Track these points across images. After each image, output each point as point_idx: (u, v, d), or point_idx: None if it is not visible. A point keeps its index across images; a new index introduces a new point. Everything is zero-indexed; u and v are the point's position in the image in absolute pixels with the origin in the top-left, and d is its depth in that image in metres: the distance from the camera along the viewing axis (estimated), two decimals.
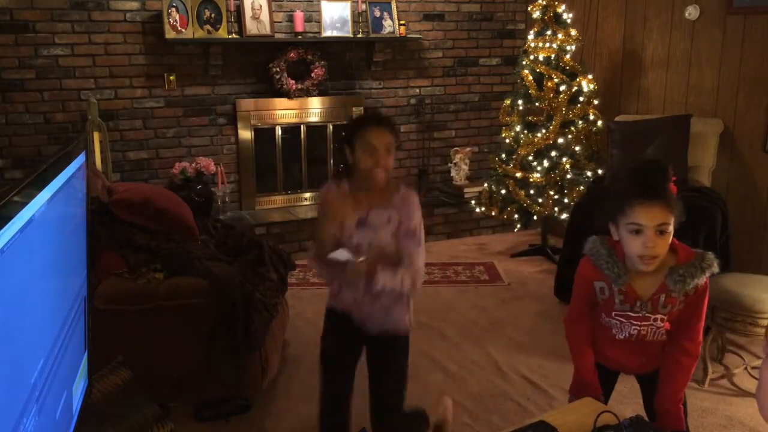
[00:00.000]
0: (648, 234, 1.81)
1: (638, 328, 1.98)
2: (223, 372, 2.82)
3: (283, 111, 5.09)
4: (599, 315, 2.06)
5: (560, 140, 4.60)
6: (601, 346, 2.10)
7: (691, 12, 4.38)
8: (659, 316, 1.95)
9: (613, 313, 2.00)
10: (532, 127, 4.70)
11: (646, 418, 1.89)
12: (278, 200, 5.24)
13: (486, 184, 4.90)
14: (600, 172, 4.53)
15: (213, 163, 4.82)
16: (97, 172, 3.30)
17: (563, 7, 4.64)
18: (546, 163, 4.59)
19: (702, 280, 1.88)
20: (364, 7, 5.12)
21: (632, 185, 1.86)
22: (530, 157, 4.66)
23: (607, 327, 2.05)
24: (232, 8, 4.74)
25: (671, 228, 1.83)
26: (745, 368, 3.26)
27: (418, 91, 5.54)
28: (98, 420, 2.15)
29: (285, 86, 4.93)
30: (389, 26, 5.18)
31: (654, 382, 2.12)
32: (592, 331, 2.11)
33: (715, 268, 1.89)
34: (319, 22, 5.02)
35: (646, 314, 1.96)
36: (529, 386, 3.15)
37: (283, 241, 4.77)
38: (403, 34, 5.20)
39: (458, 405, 2.91)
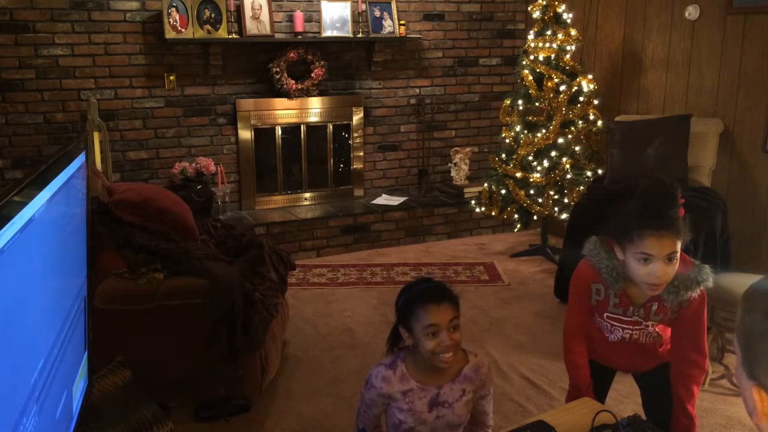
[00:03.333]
0: (657, 264, 1.79)
1: (630, 332, 1.99)
2: (223, 372, 2.82)
3: (283, 111, 5.09)
4: (593, 315, 2.06)
5: (560, 140, 4.60)
6: (597, 346, 2.11)
7: (691, 12, 4.38)
8: (651, 323, 1.97)
9: (606, 315, 2.00)
10: (532, 127, 4.70)
11: (645, 417, 1.89)
12: (278, 200, 5.24)
13: (486, 184, 4.89)
14: (600, 172, 4.53)
15: (213, 163, 4.82)
16: (97, 172, 3.30)
17: (563, 7, 4.64)
18: (546, 163, 4.59)
19: (696, 292, 1.87)
20: (364, 7, 5.12)
21: (642, 213, 1.81)
22: (530, 157, 4.66)
23: (602, 334, 2.06)
24: (232, 8, 4.75)
25: (679, 253, 1.81)
26: None
27: (418, 91, 5.54)
28: (98, 420, 2.16)
29: (285, 86, 4.93)
30: (389, 26, 5.19)
31: (651, 380, 2.11)
32: (589, 335, 2.11)
33: (710, 283, 1.88)
34: (319, 22, 5.03)
35: (638, 319, 1.97)
36: (529, 386, 3.16)
37: (283, 241, 4.77)
38: (403, 34, 5.21)
39: None
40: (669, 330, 2.03)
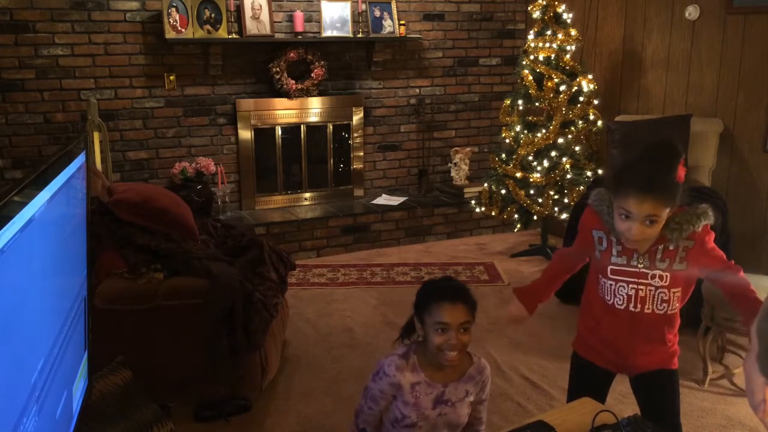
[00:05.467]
0: (635, 223, 1.81)
1: (636, 287, 1.95)
2: (223, 372, 2.82)
3: (283, 111, 5.09)
4: (597, 280, 2.04)
5: (560, 140, 4.60)
6: (600, 324, 2.07)
7: (691, 12, 4.38)
8: (657, 272, 1.92)
9: (610, 269, 1.97)
10: (532, 127, 4.70)
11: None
12: (278, 200, 5.24)
13: (486, 184, 4.90)
14: (600, 172, 4.53)
15: (213, 163, 4.82)
16: (97, 172, 3.30)
17: (563, 7, 4.64)
18: (546, 163, 4.59)
19: (698, 226, 1.87)
20: (364, 7, 5.12)
21: (633, 173, 1.85)
22: (530, 157, 4.66)
23: (606, 306, 2.01)
24: (232, 8, 4.75)
25: (662, 217, 1.82)
26: None
27: (418, 91, 5.54)
28: (98, 420, 2.16)
29: (285, 86, 4.93)
30: (389, 26, 5.19)
31: (649, 386, 2.08)
32: (592, 312, 2.10)
33: (711, 218, 1.89)
34: (319, 22, 5.03)
35: (643, 270, 1.93)
36: (529, 386, 3.16)
37: (283, 241, 4.77)
38: (403, 34, 5.21)
39: None
40: (677, 300, 1.98)
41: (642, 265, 1.93)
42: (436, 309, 1.87)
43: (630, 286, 1.96)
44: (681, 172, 1.84)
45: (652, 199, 1.79)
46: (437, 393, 1.94)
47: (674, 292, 1.96)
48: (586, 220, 2.05)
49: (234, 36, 4.75)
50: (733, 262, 1.98)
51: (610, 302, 2.01)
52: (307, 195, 5.34)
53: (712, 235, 1.95)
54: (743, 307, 1.98)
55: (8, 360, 1.19)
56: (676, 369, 2.08)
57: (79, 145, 1.90)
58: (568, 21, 4.67)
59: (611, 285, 1.99)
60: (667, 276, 1.93)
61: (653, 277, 1.94)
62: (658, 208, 1.80)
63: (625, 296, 1.98)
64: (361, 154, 5.45)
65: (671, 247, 1.91)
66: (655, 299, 1.96)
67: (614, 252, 1.97)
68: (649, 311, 1.97)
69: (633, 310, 1.97)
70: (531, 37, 4.72)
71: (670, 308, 1.97)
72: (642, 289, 1.96)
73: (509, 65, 5.68)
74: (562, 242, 4.21)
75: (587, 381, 2.15)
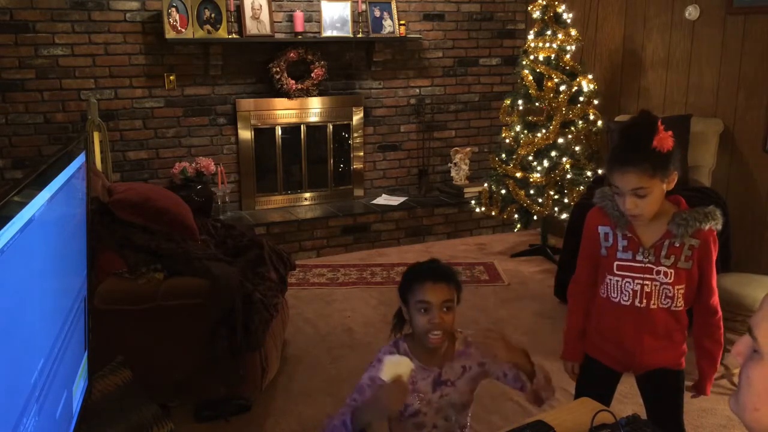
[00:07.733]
0: (626, 197, 1.85)
1: (641, 282, 1.95)
2: (223, 372, 2.83)
3: (283, 111, 5.09)
4: (603, 278, 2.04)
5: (560, 140, 4.60)
6: (607, 322, 2.07)
7: (691, 12, 4.38)
8: (662, 269, 1.93)
9: (616, 264, 1.98)
10: (532, 127, 4.70)
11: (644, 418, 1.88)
12: (278, 200, 5.24)
13: (486, 184, 4.90)
14: (600, 172, 4.53)
15: (213, 163, 4.82)
16: (97, 172, 3.30)
17: (563, 7, 4.64)
18: (546, 163, 4.59)
19: (705, 225, 1.88)
20: (364, 7, 5.12)
21: (610, 152, 1.92)
22: (530, 157, 4.66)
23: (612, 304, 2.02)
24: (232, 8, 4.75)
25: (651, 188, 1.84)
26: None
27: (418, 91, 5.54)
28: (98, 420, 2.16)
29: (285, 86, 4.93)
30: (389, 26, 5.19)
31: (655, 384, 2.09)
32: (592, 299, 2.12)
33: (718, 221, 1.90)
34: (319, 22, 5.03)
35: (649, 264, 1.94)
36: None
37: (283, 241, 4.77)
38: (403, 34, 5.21)
39: None
40: (681, 297, 1.97)
41: (647, 260, 1.94)
42: (418, 289, 1.89)
43: (636, 281, 1.97)
44: (664, 140, 1.84)
45: (632, 170, 1.83)
46: (434, 375, 1.94)
47: (678, 289, 1.96)
48: (591, 218, 2.07)
49: (234, 36, 4.75)
50: (717, 299, 2.01)
51: (616, 300, 2.02)
52: (307, 195, 5.34)
53: (717, 246, 1.95)
54: (705, 366, 2.05)
55: (8, 360, 1.19)
56: (682, 369, 2.08)
57: (79, 145, 1.90)
58: (568, 21, 4.67)
59: (617, 281, 2.00)
60: (671, 273, 1.94)
61: (658, 272, 1.95)
62: (642, 179, 1.83)
63: (631, 292, 1.99)
64: (361, 154, 5.45)
65: (677, 244, 1.92)
66: (660, 295, 1.97)
67: (620, 247, 1.98)
68: (655, 306, 1.98)
69: (639, 305, 1.98)
70: (531, 37, 4.72)
71: (674, 305, 1.98)
72: (647, 284, 1.97)
73: (509, 65, 5.68)
74: (562, 242, 4.21)
75: (594, 379, 2.17)
